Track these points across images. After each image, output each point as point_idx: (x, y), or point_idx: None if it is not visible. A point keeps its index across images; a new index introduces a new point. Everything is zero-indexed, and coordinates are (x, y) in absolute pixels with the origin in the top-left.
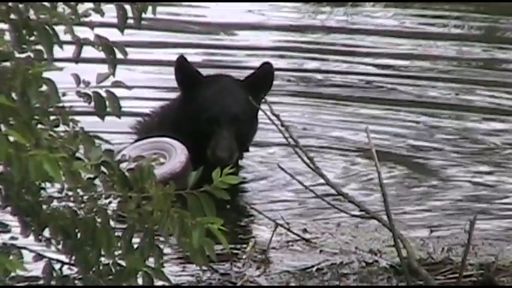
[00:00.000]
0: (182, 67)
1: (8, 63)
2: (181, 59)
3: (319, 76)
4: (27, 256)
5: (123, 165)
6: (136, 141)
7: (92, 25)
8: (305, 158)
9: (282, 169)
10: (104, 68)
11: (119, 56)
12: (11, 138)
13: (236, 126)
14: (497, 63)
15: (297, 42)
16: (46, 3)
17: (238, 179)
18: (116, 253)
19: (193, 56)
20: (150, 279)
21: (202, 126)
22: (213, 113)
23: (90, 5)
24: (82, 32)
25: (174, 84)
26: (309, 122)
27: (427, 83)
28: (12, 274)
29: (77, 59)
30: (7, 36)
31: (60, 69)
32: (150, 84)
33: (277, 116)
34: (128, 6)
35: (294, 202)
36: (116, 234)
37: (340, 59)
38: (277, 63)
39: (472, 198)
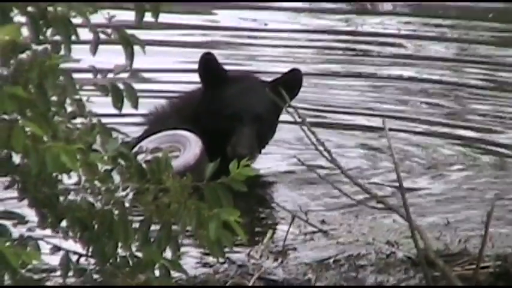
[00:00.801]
0: (208, 63)
1: (24, 55)
2: (208, 55)
3: None
4: (44, 248)
5: (140, 157)
6: (148, 131)
7: (110, 16)
8: (322, 150)
9: (300, 160)
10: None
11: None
12: (28, 130)
13: (258, 125)
14: None
15: None
16: None
17: (256, 171)
18: (133, 245)
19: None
20: (167, 271)
21: (225, 122)
22: (236, 109)
23: None
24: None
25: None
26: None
27: None
28: (30, 266)
29: (94, 51)
30: (24, 29)
31: (78, 61)
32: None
33: (294, 107)
34: None
35: (311, 193)
36: (133, 226)
37: None
38: None
39: (489, 189)
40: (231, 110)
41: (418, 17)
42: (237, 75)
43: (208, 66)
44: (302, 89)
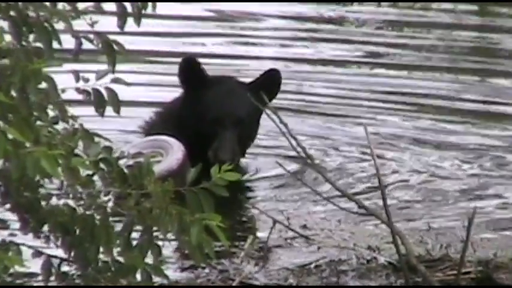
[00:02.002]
0: (187, 67)
1: (7, 60)
2: (188, 59)
3: None
4: (26, 253)
5: (122, 162)
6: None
7: (91, 23)
8: (303, 155)
9: (281, 166)
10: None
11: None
12: (10, 135)
13: (240, 129)
14: None
15: None
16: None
17: (237, 175)
18: (115, 250)
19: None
20: (149, 276)
21: (206, 127)
22: (217, 114)
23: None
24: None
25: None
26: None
27: None
28: (11, 271)
29: (76, 56)
30: (7, 36)
31: (60, 64)
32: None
33: (275, 112)
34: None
35: (292, 199)
36: (115, 231)
37: None
38: None
39: (470, 194)
40: (211, 114)
41: None
42: (216, 78)
43: (188, 70)
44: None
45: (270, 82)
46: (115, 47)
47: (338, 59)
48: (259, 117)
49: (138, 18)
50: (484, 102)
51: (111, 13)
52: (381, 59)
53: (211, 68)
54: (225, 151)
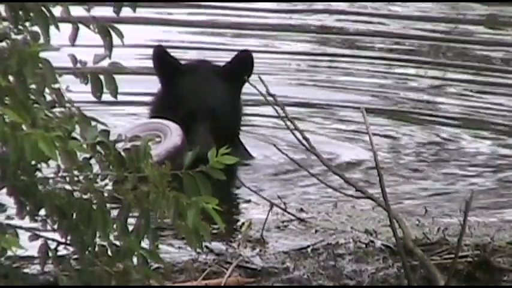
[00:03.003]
0: (159, 57)
1: (4, 44)
2: (159, 48)
3: None
4: (23, 236)
5: (119, 146)
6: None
7: (89, 7)
8: (301, 138)
9: (279, 149)
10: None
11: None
12: (7, 118)
13: (214, 120)
14: None
15: None
16: None
17: (234, 159)
18: (112, 234)
19: None
20: (145, 259)
21: (180, 120)
22: (190, 107)
23: None
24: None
25: None
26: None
27: None
28: (9, 253)
29: (73, 42)
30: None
31: (57, 49)
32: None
33: (273, 96)
34: None
35: (289, 182)
36: (112, 215)
37: None
38: None
39: (468, 177)
40: (183, 108)
41: None
42: (190, 66)
43: (161, 59)
44: None
45: (242, 63)
46: (112, 31)
47: None
48: (237, 103)
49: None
50: None
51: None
52: None
53: None
54: (198, 144)
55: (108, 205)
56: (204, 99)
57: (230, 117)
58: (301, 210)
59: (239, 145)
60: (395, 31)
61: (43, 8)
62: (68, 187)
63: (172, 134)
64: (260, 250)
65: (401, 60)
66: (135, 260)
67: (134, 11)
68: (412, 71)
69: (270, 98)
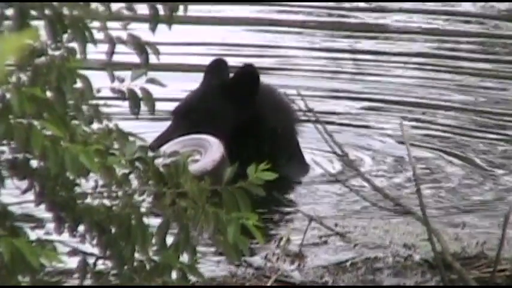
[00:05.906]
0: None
1: (42, 59)
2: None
3: None
4: (61, 251)
5: (158, 161)
6: None
7: (125, 24)
8: (339, 152)
9: (318, 164)
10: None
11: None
12: (46, 132)
13: (189, 121)
14: None
15: None
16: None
17: (274, 175)
18: (150, 249)
19: None
20: (184, 274)
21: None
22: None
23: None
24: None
25: None
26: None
27: None
28: (47, 268)
29: (110, 57)
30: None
31: (96, 64)
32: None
33: (312, 110)
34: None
35: (327, 197)
36: (150, 230)
37: None
38: None
39: (506, 191)
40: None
41: None
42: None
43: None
44: None
45: (248, 78)
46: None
47: None
48: (228, 112)
49: (169, 19)
50: None
51: (144, 19)
52: None
53: None
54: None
55: (146, 220)
56: (182, 101)
57: (214, 124)
58: (339, 224)
59: (296, 157)
60: None
61: (80, 24)
62: (106, 202)
63: (213, 149)
64: (299, 264)
65: None
66: (173, 275)
67: (170, 28)
68: None
69: (309, 113)
